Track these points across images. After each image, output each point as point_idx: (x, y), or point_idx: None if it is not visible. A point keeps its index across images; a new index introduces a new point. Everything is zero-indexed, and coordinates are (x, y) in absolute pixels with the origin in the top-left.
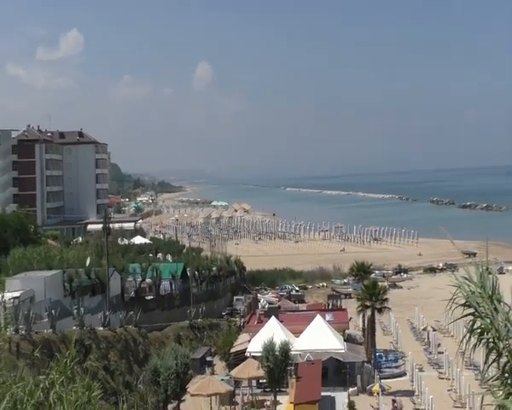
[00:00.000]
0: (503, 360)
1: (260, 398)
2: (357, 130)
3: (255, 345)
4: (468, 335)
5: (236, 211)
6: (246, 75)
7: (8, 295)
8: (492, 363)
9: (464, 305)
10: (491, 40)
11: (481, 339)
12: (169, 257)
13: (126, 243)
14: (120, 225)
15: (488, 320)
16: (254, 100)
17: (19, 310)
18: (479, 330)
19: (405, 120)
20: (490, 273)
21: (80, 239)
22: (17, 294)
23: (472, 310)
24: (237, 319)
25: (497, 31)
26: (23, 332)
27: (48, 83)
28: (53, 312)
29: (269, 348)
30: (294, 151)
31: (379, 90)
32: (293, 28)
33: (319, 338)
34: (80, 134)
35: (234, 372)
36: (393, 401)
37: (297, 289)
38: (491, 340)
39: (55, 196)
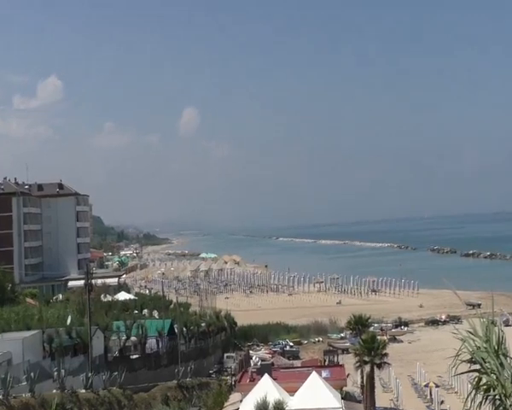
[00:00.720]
0: None
1: None
2: (351, 177)
3: (247, 405)
4: (473, 392)
5: (226, 263)
6: (233, 120)
7: None
8: None
9: (470, 361)
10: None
11: (487, 396)
12: (155, 313)
13: (110, 299)
14: (103, 280)
15: (494, 377)
16: (242, 147)
17: None
18: (484, 387)
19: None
20: (495, 326)
21: (60, 297)
22: None
23: (477, 366)
24: (228, 377)
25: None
26: (0, 397)
27: (26, 132)
28: (32, 374)
29: (262, 407)
30: (286, 199)
31: (365, 136)
32: (285, 67)
33: (315, 396)
34: (60, 186)
35: None
36: None
37: (291, 344)
38: (497, 397)
39: (34, 251)
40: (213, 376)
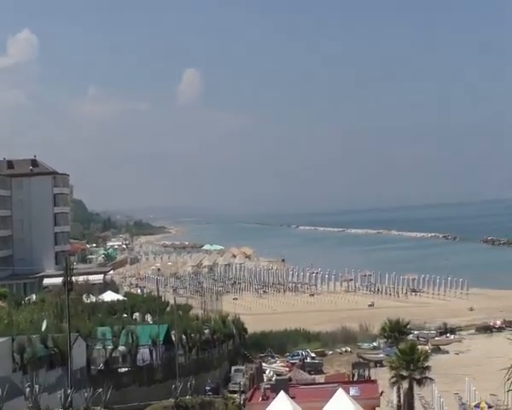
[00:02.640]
0: None
1: None
2: (391, 157)
3: None
4: None
5: (235, 257)
6: (245, 84)
7: None
8: None
9: None
10: None
11: None
12: (148, 318)
13: (94, 300)
14: (86, 277)
15: None
16: (256, 116)
17: None
18: None
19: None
20: None
21: (34, 297)
22: None
23: None
24: (236, 395)
25: None
26: None
27: None
28: None
29: None
30: (310, 181)
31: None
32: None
33: None
34: (34, 163)
35: None
36: None
37: (313, 355)
38: None
39: (2, 242)
40: (209, 394)
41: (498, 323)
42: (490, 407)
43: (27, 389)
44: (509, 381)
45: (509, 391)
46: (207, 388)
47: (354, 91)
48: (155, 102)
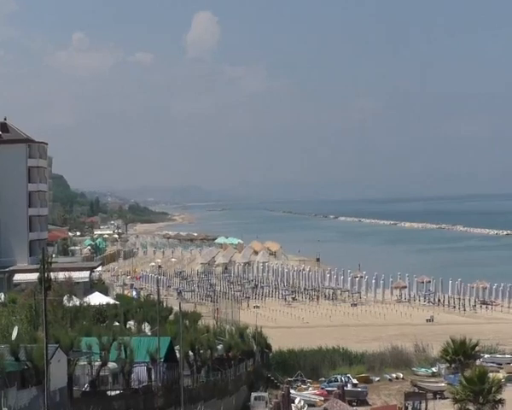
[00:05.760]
0: None
1: None
2: (453, 131)
3: None
4: None
5: (257, 253)
6: (272, 35)
7: None
8: None
9: None
10: None
11: None
12: (146, 327)
13: (77, 303)
14: (68, 274)
15: None
16: (283, 75)
17: None
18: None
19: None
20: None
21: (3, 297)
22: None
23: None
24: None
25: None
26: None
27: None
28: None
29: None
30: (354, 160)
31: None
32: None
33: None
34: (3, 127)
35: None
36: None
37: (355, 382)
38: None
39: None
40: None
41: None
42: None
43: None
44: None
45: None
46: None
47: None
48: (159, 54)
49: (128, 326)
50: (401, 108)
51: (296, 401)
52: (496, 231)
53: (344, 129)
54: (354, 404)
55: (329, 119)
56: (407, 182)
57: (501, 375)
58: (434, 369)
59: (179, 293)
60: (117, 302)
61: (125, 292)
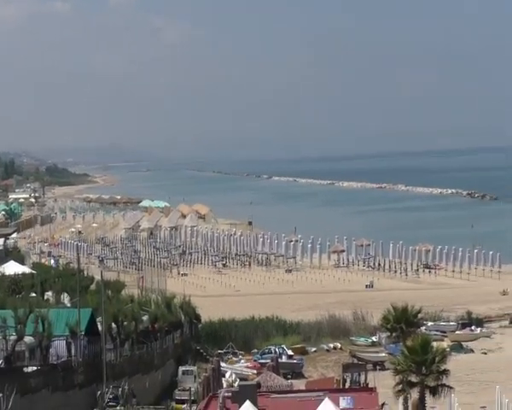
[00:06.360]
0: None
1: None
2: (396, 84)
3: None
4: None
5: (184, 217)
6: None
7: None
8: None
9: None
10: None
11: None
12: (65, 298)
13: None
14: None
15: None
16: (210, 24)
17: None
18: None
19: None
20: None
21: None
22: None
23: None
24: (185, 406)
25: None
26: None
27: None
28: None
29: None
30: (287, 116)
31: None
32: None
33: None
34: None
35: None
36: None
37: (290, 353)
38: None
39: None
40: (112, 404)
41: None
42: None
43: None
44: None
45: None
46: (110, 396)
47: None
48: (76, 3)
49: (46, 297)
50: (339, 59)
51: (227, 374)
52: (440, 190)
53: (276, 86)
54: (289, 377)
55: (262, 75)
56: (352, 139)
57: (445, 344)
58: (374, 338)
59: (101, 261)
60: (34, 272)
61: (43, 260)
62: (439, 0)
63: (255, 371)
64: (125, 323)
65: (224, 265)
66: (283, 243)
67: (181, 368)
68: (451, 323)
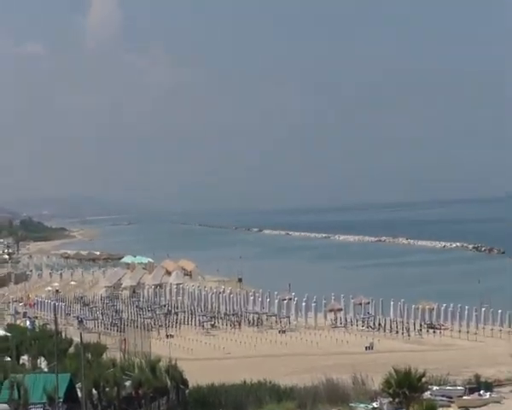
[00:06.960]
0: None
1: None
2: (395, 129)
3: None
4: None
5: (169, 274)
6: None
7: None
8: None
9: None
10: None
11: None
12: (43, 363)
13: None
14: None
15: None
16: (199, 68)
17: None
18: None
19: None
20: None
21: None
22: None
23: None
24: None
25: None
26: None
27: None
28: None
29: None
30: (272, 164)
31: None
32: None
33: None
34: None
35: None
36: None
37: None
38: None
39: None
40: None
41: None
42: None
43: None
44: None
45: None
46: None
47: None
48: (52, 45)
49: (21, 362)
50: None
51: None
52: (444, 243)
53: (263, 135)
54: None
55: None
56: (338, 187)
57: None
58: (375, 404)
59: (80, 322)
60: (8, 334)
61: (18, 322)
62: None
63: None
64: (107, 389)
65: (212, 325)
66: (276, 301)
67: None
68: (458, 387)
